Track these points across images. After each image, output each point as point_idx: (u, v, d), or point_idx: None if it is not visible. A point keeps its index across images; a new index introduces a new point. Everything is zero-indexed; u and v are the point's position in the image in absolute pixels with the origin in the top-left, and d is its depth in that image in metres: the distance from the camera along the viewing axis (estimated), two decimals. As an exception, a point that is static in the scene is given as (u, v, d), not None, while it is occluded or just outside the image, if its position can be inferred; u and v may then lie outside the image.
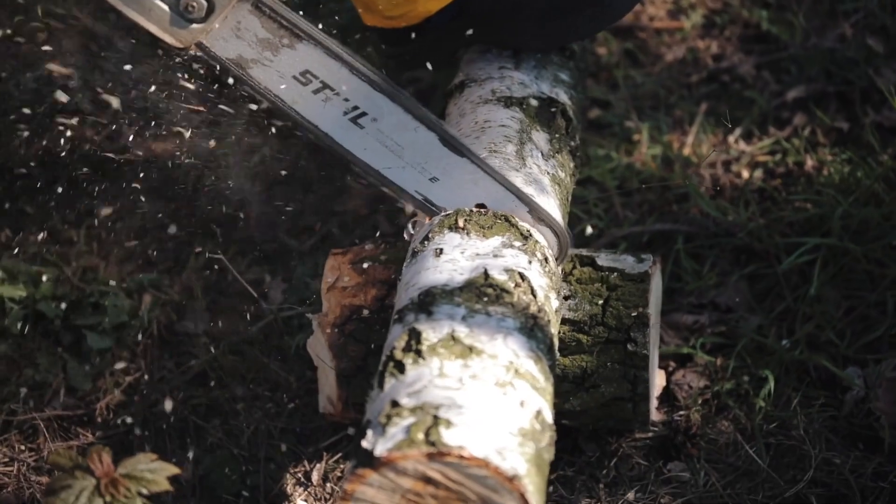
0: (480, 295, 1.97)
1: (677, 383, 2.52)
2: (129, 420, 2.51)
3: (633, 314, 2.28)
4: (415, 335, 1.92)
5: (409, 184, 2.12)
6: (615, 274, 2.33)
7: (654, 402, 2.46)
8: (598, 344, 2.29)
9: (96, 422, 2.53)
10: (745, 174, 2.86)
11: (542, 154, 2.30)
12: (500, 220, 2.11)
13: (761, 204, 2.79)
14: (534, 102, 2.38)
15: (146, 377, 2.58)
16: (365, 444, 1.78)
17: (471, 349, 1.88)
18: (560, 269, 2.20)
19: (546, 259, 2.11)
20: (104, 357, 2.61)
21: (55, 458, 1.84)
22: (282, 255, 2.79)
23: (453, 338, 1.90)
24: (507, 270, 2.02)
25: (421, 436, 1.74)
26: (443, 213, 2.13)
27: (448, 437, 1.74)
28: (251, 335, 2.61)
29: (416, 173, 2.11)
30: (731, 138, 2.95)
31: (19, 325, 2.62)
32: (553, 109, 2.40)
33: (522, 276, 2.02)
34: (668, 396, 2.51)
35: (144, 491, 1.82)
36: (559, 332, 2.28)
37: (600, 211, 2.79)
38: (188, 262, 2.75)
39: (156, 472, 1.85)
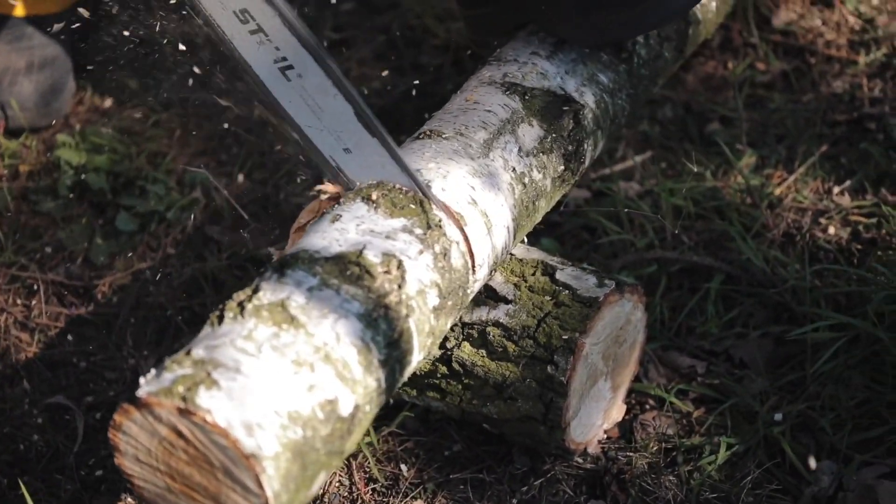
0: (343, 271, 1.92)
1: (643, 423, 2.38)
2: (116, 302, 2.59)
3: (565, 337, 2.16)
4: (255, 292, 1.89)
5: (325, 148, 2.08)
6: (567, 292, 2.21)
7: (598, 433, 2.34)
8: (524, 357, 2.19)
9: (94, 297, 2.62)
10: (832, 230, 2.63)
11: (521, 149, 2.19)
12: (416, 204, 2.04)
13: (834, 263, 2.56)
14: (542, 96, 2.27)
15: (153, 269, 2.65)
16: (141, 380, 1.78)
17: (293, 320, 1.84)
18: (477, 271, 2.10)
19: (445, 254, 2.02)
20: (131, 239, 2.70)
21: None
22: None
23: (283, 305, 1.86)
24: (386, 255, 1.95)
25: (181, 389, 1.73)
26: (367, 183, 2.08)
27: (202, 397, 1.72)
28: (261, 255, 2.63)
29: (332, 139, 2.06)
30: (836, 189, 2.71)
31: (67, 190, 2.73)
32: (565, 108, 2.28)
33: (399, 265, 1.95)
34: (630, 433, 2.37)
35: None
36: (490, 335, 2.20)
37: (651, 228, 2.63)
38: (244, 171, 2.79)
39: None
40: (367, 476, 2.31)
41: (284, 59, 2.04)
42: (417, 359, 2.00)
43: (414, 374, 2.27)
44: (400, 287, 1.94)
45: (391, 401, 2.08)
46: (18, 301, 2.61)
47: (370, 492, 2.29)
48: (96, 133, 2.83)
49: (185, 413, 1.71)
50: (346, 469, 2.32)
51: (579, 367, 2.18)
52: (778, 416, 2.36)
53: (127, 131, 2.89)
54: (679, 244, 2.62)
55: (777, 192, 2.70)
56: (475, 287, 2.12)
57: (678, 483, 2.28)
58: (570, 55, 2.37)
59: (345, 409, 1.83)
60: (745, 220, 2.64)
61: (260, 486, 1.72)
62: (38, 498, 2.30)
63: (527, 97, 2.26)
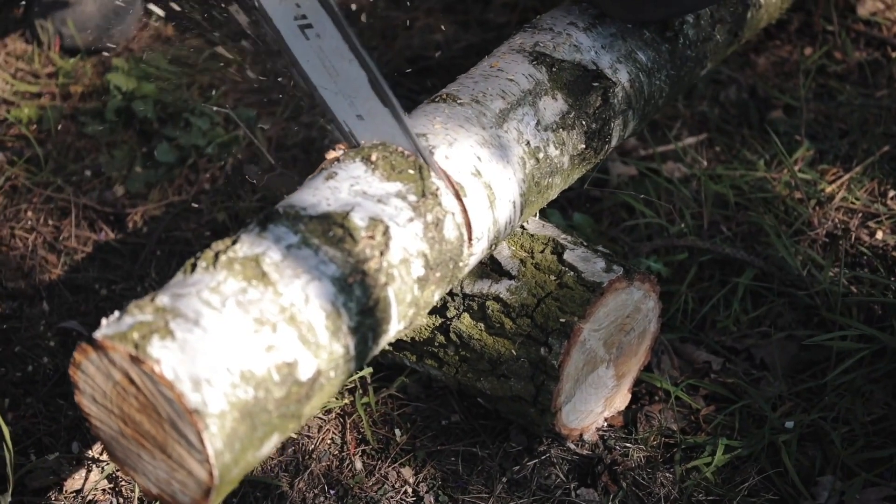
0: (326, 231, 1.88)
1: (648, 415, 2.31)
2: (145, 232, 2.58)
3: (562, 320, 2.10)
4: (234, 243, 1.87)
5: (339, 111, 2.03)
6: (572, 273, 2.15)
7: (597, 421, 2.28)
8: (521, 336, 2.14)
9: (125, 226, 2.62)
10: (880, 235, 2.52)
11: (539, 123, 2.13)
12: (415, 169, 1.99)
13: (875, 271, 2.45)
14: (571, 69, 2.19)
15: (185, 203, 2.64)
16: (103, 320, 1.77)
17: (263, 276, 1.81)
18: (474, 244, 2.04)
19: (438, 224, 1.97)
20: (170, 171, 2.69)
21: None
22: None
23: (257, 260, 1.83)
24: (374, 219, 1.91)
25: (136, 336, 1.71)
26: (368, 143, 2.03)
27: (154, 347, 1.69)
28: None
29: (346, 104, 2.01)
30: (892, 193, 2.60)
31: (114, 115, 2.73)
32: (595, 84, 2.21)
33: (385, 231, 1.91)
34: (634, 423, 2.31)
35: None
36: (489, 309, 2.15)
37: (688, 215, 2.54)
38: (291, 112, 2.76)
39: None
40: (360, 437, 2.28)
41: (304, 17, 2.00)
42: (397, 328, 1.96)
43: (413, 339, 2.24)
44: (382, 254, 1.90)
45: (362, 367, 2.03)
46: (50, 222, 2.62)
47: (360, 453, 2.26)
48: (152, 60, 2.81)
49: (135, 360, 1.69)
50: (340, 428, 2.29)
51: (574, 352, 2.12)
52: (789, 424, 2.28)
53: (183, 61, 2.87)
54: (716, 233, 2.53)
55: (829, 189, 2.59)
56: (471, 261, 2.07)
57: (673, 481, 2.21)
58: (609, 29, 2.28)
59: (304, 374, 1.79)
60: (789, 215, 2.54)
61: (202, 442, 1.69)
62: (38, 420, 2.31)
63: (554, 69, 2.19)
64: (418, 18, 3.04)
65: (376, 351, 1.95)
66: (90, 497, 2.18)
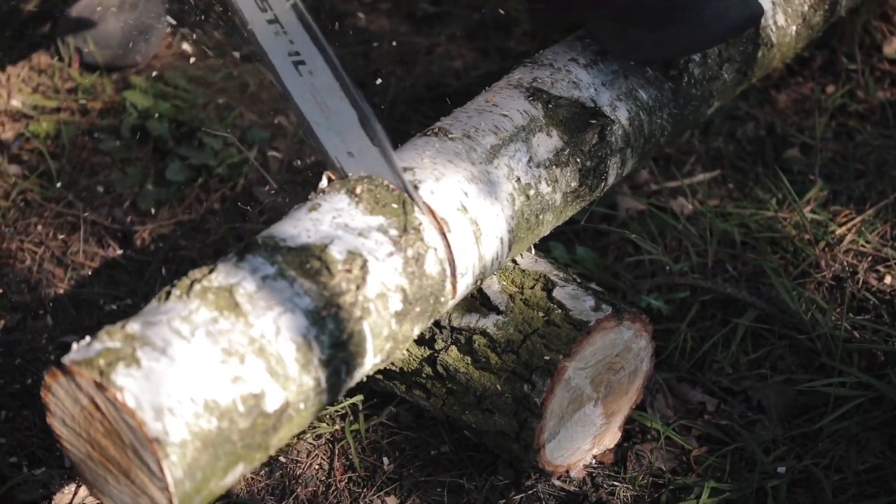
0: (303, 263, 1.88)
1: (638, 453, 2.29)
2: (152, 250, 2.60)
3: (546, 358, 2.09)
4: (211, 272, 1.88)
5: (330, 147, 2.04)
6: (560, 311, 2.14)
7: (585, 458, 2.27)
8: (506, 372, 2.13)
9: (132, 243, 2.64)
10: (888, 280, 2.48)
11: (532, 160, 2.12)
12: (398, 203, 1.98)
13: (879, 317, 2.42)
14: (568, 106, 2.18)
15: (193, 222, 2.65)
16: (74, 345, 1.79)
17: (236, 306, 1.81)
18: (458, 279, 2.03)
19: (418, 259, 1.97)
20: (180, 190, 2.71)
21: None
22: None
23: (231, 290, 1.83)
24: (352, 253, 1.91)
25: (102, 362, 1.72)
26: (354, 175, 2.04)
27: (119, 374, 1.71)
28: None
29: (337, 140, 2.02)
30: (904, 237, 2.56)
31: (130, 132, 2.75)
32: (592, 121, 2.19)
33: (363, 265, 1.91)
34: (624, 461, 2.29)
35: None
36: (476, 343, 2.14)
37: (694, 252, 2.52)
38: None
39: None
40: (348, 464, 2.28)
41: (298, 53, 2.01)
42: (373, 362, 1.95)
43: (402, 370, 2.24)
44: (358, 288, 1.90)
45: (336, 399, 2.02)
46: (59, 236, 2.65)
47: (346, 480, 2.26)
48: (170, 78, 2.83)
49: (100, 387, 1.71)
50: (328, 453, 2.29)
51: (558, 389, 2.11)
52: (781, 469, 2.25)
53: (202, 81, 2.89)
54: (721, 272, 2.50)
55: (839, 231, 2.55)
56: (456, 296, 2.06)
57: (658, 522, 2.20)
58: (611, 66, 2.27)
59: (271, 405, 1.80)
60: (796, 256, 2.51)
61: (162, 470, 1.70)
62: (32, 433, 2.33)
63: (550, 105, 2.18)
64: (440, 44, 3.03)
65: (351, 383, 1.95)
66: (76, 512, 2.20)
